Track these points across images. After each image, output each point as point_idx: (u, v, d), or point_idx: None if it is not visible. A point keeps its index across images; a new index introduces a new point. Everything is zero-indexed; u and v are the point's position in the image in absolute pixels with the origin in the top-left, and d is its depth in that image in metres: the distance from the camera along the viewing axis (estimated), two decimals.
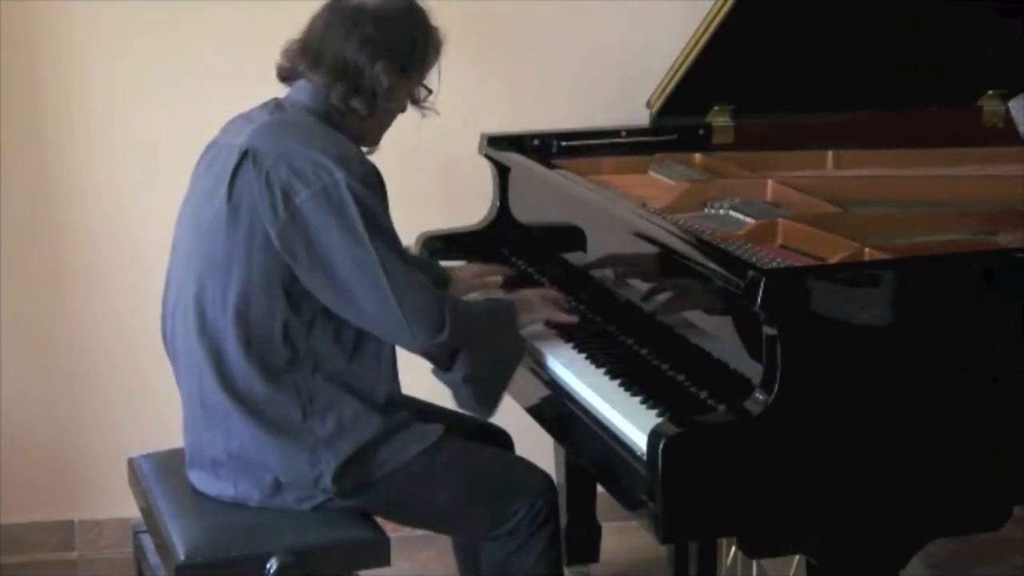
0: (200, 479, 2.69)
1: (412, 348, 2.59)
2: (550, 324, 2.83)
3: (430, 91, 2.76)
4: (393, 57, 2.64)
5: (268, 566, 2.53)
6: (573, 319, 2.82)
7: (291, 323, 2.57)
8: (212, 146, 2.71)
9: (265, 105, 2.70)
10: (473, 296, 2.99)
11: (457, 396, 2.67)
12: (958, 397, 2.36)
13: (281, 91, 2.75)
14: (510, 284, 3.11)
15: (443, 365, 2.61)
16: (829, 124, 3.37)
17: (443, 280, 3.01)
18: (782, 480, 2.27)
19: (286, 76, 2.73)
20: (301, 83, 2.69)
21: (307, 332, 2.59)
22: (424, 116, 2.78)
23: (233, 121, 2.72)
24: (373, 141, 2.76)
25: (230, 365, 2.59)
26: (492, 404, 2.67)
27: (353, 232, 2.51)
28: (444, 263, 3.27)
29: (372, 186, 2.57)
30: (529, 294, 2.86)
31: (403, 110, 2.76)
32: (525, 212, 3.30)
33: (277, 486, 2.61)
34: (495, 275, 3.10)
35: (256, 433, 2.59)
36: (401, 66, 2.66)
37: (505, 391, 2.69)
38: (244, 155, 2.57)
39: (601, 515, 3.52)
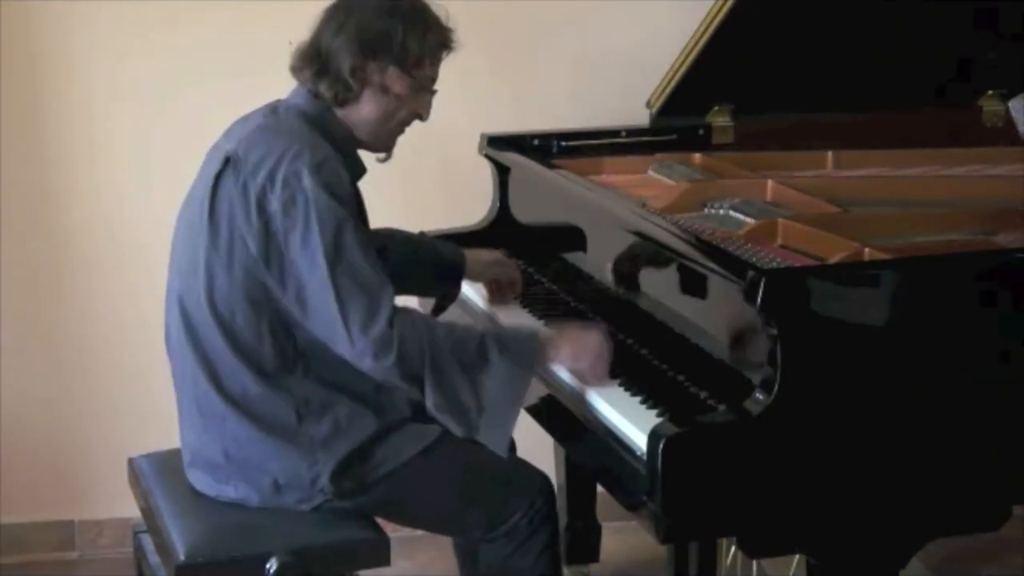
0: (199, 480, 2.69)
1: (363, 370, 2.53)
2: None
3: (433, 92, 2.70)
4: (363, 42, 2.60)
5: (268, 566, 2.53)
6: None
7: (277, 328, 2.57)
8: (214, 148, 2.70)
9: (264, 107, 2.70)
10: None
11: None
12: (958, 397, 2.36)
13: (283, 91, 2.75)
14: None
15: (411, 391, 2.54)
16: (829, 124, 3.37)
17: (455, 262, 2.99)
18: (782, 480, 2.27)
19: (294, 75, 2.71)
20: (297, 85, 2.69)
21: (295, 336, 2.58)
22: (421, 120, 2.72)
23: (234, 124, 2.72)
24: (377, 147, 2.72)
25: (221, 369, 2.59)
26: (494, 441, 2.55)
27: (311, 246, 2.49)
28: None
29: (339, 197, 2.52)
30: (590, 337, 2.64)
31: (421, 118, 2.70)
32: (525, 212, 3.30)
33: (276, 488, 2.61)
34: (513, 279, 3.04)
35: (252, 435, 2.59)
36: (372, 51, 2.60)
37: (509, 428, 2.56)
38: (226, 162, 2.57)
39: (601, 515, 3.52)
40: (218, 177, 2.57)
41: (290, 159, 2.53)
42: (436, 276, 3.02)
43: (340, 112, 2.65)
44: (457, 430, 2.56)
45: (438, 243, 3.06)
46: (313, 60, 2.63)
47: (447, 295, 3.07)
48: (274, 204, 2.51)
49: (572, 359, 2.62)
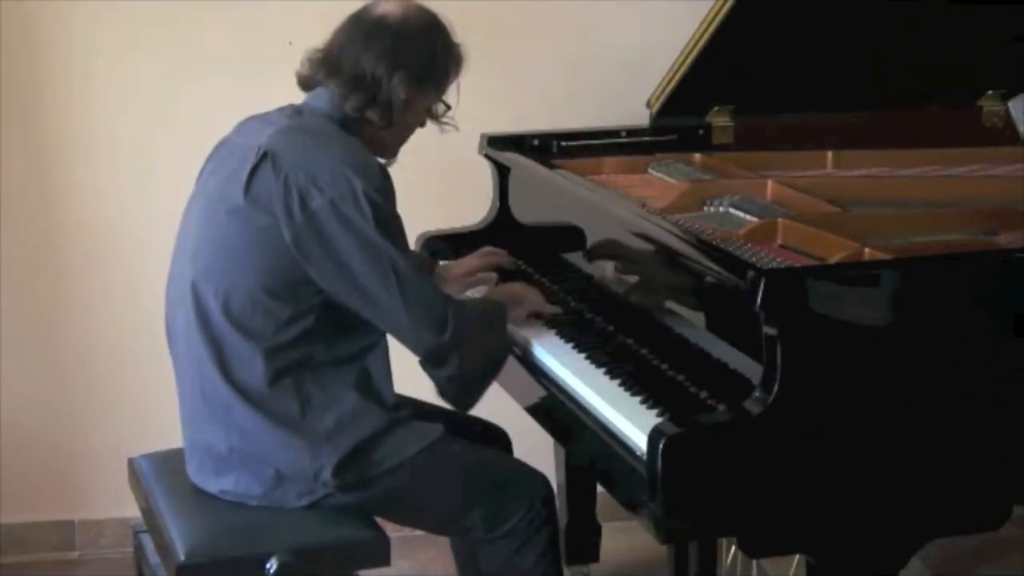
0: (198, 474, 2.70)
1: (417, 348, 2.62)
2: (538, 316, 2.89)
3: (448, 106, 2.78)
4: (411, 70, 2.65)
5: (268, 566, 2.53)
6: (558, 310, 2.89)
7: (293, 322, 2.59)
8: (224, 144, 2.72)
9: (282, 109, 2.72)
10: (466, 294, 3.04)
11: (439, 389, 2.71)
12: (958, 397, 2.36)
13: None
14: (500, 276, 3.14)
15: (436, 363, 2.64)
16: (829, 124, 3.37)
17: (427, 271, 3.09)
18: (782, 480, 2.27)
19: (305, 84, 2.74)
20: (319, 90, 2.70)
21: (309, 331, 2.60)
22: (443, 131, 2.80)
23: (247, 122, 2.73)
24: (391, 153, 2.78)
25: (231, 357, 2.61)
26: (472, 400, 2.73)
27: (368, 238, 2.54)
28: (445, 263, 3.29)
29: (386, 193, 2.60)
30: (516, 288, 2.92)
31: (422, 124, 2.78)
32: (525, 212, 3.30)
33: (278, 479, 2.62)
34: (488, 272, 3.13)
35: (258, 423, 2.60)
36: (419, 79, 2.67)
37: (486, 389, 2.74)
38: (263, 156, 2.58)
39: (601, 515, 3.52)
40: (254, 170, 2.58)
41: (335, 159, 2.57)
42: None
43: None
44: (454, 399, 2.71)
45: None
46: (357, 84, 2.65)
47: None
48: (319, 200, 2.54)
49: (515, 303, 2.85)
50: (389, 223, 2.58)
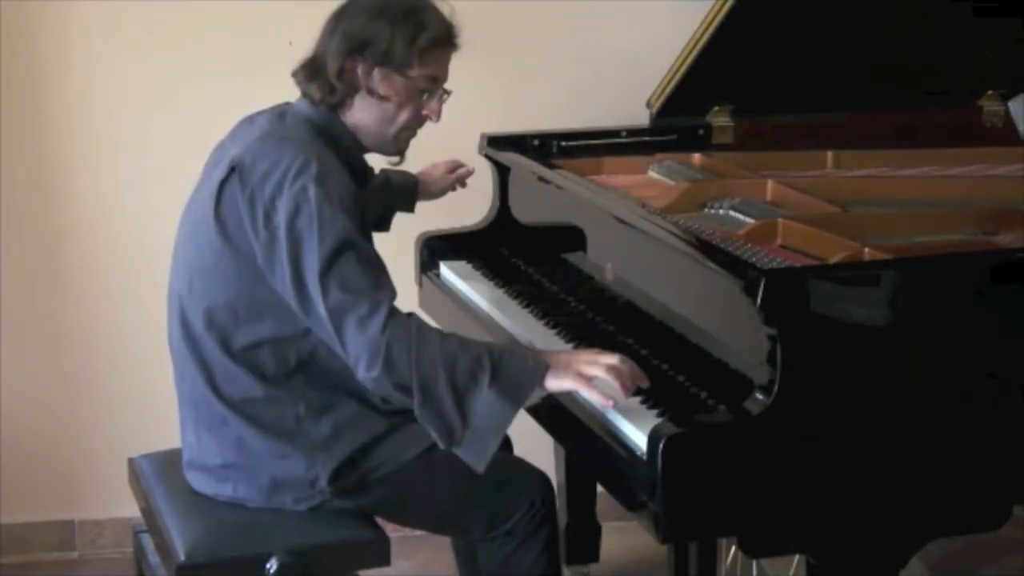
0: (198, 481, 2.70)
1: (359, 379, 2.46)
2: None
3: (442, 92, 2.67)
4: (350, 45, 2.58)
5: (268, 566, 2.53)
6: (612, 360, 2.46)
7: (280, 334, 2.56)
8: (219, 147, 2.69)
9: (272, 110, 2.68)
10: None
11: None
12: (958, 397, 2.36)
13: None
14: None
15: (403, 400, 2.45)
16: (829, 124, 3.37)
17: (410, 188, 3.21)
18: (782, 480, 2.27)
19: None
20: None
21: (300, 340, 2.57)
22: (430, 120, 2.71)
23: (240, 123, 2.70)
24: (392, 150, 2.70)
25: (220, 375, 2.59)
26: (473, 459, 2.45)
27: (310, 255, 2.45)
28: (445, 263, 3.29)
29: (345, 208, 2.48)
30: (575, 354, 2.52)
31: (400, 103, 2.64)
32: (525, 212, 3.30)
33: (274, 487, 2.61)
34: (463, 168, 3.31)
35: (252, 437, 2.59)
36: (358, 53, 2.58)
37: (490, 450, 2.44)
38: (232, 169, 2.54)
39: (601, 515, 3.52)
40: (223, 184, 2.54)
41: (296, 171, 2.49)
42: (386, 204, 3.17)
43: (342, 117, 2.64)
44: (439, 442, 2.47)
45: (390, 172, 3.12)
46: (308, 64, 2.64)
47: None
48: (280, 215, 2.48)
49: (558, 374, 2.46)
50: (340, 241, 2.44)
